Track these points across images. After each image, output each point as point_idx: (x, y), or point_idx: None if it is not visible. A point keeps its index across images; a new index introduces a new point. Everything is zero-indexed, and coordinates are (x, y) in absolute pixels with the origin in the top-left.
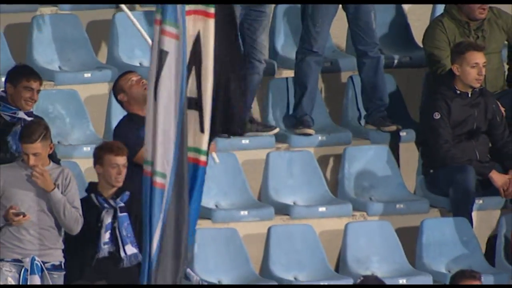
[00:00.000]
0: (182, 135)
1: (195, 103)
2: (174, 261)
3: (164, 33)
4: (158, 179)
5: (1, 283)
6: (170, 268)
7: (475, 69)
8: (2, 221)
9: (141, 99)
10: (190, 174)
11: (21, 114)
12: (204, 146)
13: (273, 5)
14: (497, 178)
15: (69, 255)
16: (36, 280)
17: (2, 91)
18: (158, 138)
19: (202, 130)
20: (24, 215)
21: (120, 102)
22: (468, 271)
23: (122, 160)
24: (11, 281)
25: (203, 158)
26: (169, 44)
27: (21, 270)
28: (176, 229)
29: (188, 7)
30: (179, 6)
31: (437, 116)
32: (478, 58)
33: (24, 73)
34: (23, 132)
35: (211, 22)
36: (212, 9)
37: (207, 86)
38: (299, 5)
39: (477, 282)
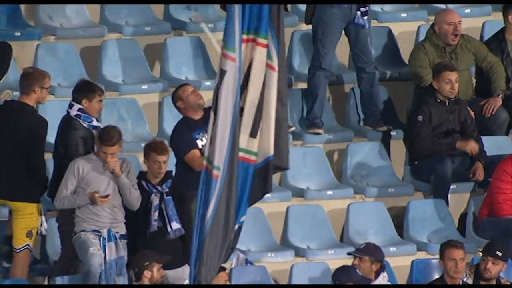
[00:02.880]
0: (234, 139)
1: (252, 114)
2: (223, 232)
3: (225, 56)
4: (215, 172)
5: (89, 248)
6: (221, 238)
7: (449, 84)
8: (84, 199)
9: (195, 106)
10: (240, 169)
11: (95, 122)
12: (254, 149)
13: (289, 33)
14: (462, 144)
15: (127, 229)
16: (112, 246)
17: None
18: (216, 140)
19: (254, 136)
20: (105, 197)
21: (178, 108)
22: (453, 241)
23: (163, 158)
24: (96, 248)
25: (253, 157)
26: (228, 65)
27: (100, 238)
28: (227, 208)
29: (244, 36)
30: (237, 34)
31: (420, 118)
32: (451, 76)
33: (94, 89)
34: (103, 136)
35: (260, 50)
36: (261, 39)
37: (256, 100)
38: (310, 31)
39: (460, 251)
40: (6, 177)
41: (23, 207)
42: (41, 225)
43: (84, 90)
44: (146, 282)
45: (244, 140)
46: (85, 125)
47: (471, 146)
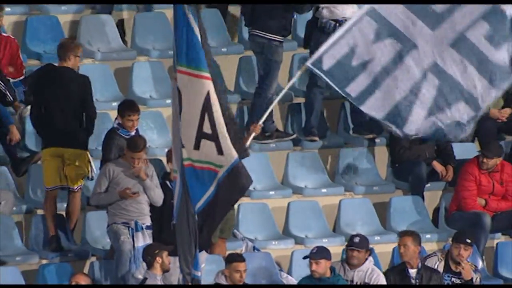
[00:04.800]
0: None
1: (212, 136)
2: (188, 227)
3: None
4: (174, 174)
5: (120, 236)
6: (187, 232)
7: None
8: (116, 196)
9: None
10: (203, 177)
11: (133, 133)
12: (221, 162)
13: (290, 56)
14: (438, 166)
15: (154, 222)
16: (139, 235)
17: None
18: (172, 148)
19: (221, 153)
20: (135, 193)
21: None
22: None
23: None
24: (126, 236)
25: (218, 169)
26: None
27: (129, 228)
28: (187, 205)
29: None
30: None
31: None
32: None
33: (126, 109)
34: (131, 144)
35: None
36: (204, 73)
37: (220, 124)
38: (308, 55)
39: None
40: (61, 129)
41: (76, 154)
42: (90, 170)
43: (120, 109)
44: (158, 267)
45: (213, 157)
46: (122, 135)
47: (442, 169)
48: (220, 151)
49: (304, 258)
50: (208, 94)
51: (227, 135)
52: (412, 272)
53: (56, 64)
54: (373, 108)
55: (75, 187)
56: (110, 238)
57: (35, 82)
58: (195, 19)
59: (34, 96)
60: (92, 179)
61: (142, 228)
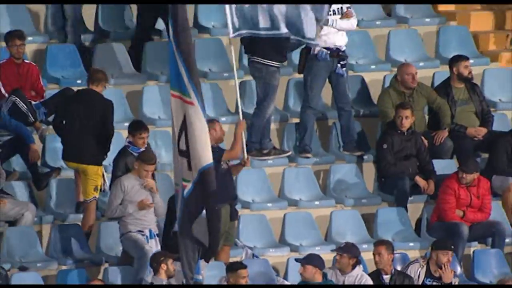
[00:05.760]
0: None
1: (185, 154)
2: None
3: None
4: (176, 187)
5: (144, 245)
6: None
7: (402, 119)
8: (132, 208)
9: (220, 139)
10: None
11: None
12: (189, 177)
13: (286, 81)
14: (420, 181)
15: (165, 230)
16: (153, 242)
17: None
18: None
19: (190, 169)
20: (151, 204)
21: None
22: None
23: None
24: (148, 245)
25: (186, 183)
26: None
27: (144, 236)
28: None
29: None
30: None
31: (385, 146)
32: (404, 113)
33: (137, 128)
34: (145, 157)
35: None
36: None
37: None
38: (302, 79)
39: (382, 247)
40: (80, 146)
41: (91, 168)
42: (103, 183)
43: (130, 128)
44: (163, 273)
45: (184, 172)
46: (133, 152)
47: (424, 184)
48: (189, 167)
49: (296, 260)
50: (185, 115)
51: (198, 149)
52: (386, 278)
53: (84, 88)
54: None
55: (88, 199)
56: (127, 246)
57: (65, 98)
58: (179, 54)
59: (59, 110)
60: (104, 191)
61: (154, 236)
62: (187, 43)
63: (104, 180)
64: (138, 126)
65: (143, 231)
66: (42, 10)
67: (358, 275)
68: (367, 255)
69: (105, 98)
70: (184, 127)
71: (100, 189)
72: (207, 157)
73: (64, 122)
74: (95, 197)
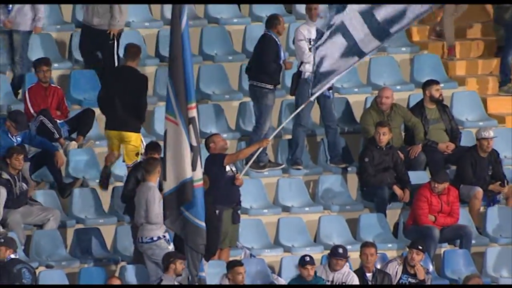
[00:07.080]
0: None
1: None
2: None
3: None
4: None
5: (159, 247)
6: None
7: (380, 135)
8: (144, 217)
9: (222, 148)
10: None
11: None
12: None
13: (280, 102)
14: (397, 190)
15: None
16: (171, 246)
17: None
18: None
19: (165, 179)
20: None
21: (207, 148)
22: (368, 242)
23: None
24: (166, 245)
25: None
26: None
27: (165, 239)
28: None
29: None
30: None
31: (366, 159)
32: (382, 130)
33: (151, 149)
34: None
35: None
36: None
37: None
38: (294, 101)
39: (372, 248)
40: (121, 116)
41: (132, 135)
42: (142, 147)
43: (147, 148)
44: (172, 271)
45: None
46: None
47: (400, 193)
48: (164, 177)
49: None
50: (166, 132)
51: (181, 163)
52: (369, 275)
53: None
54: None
55: (130, 164)
56: (154, 253)
57: (106, 75)
58: (169, 80)
59: (102, 86)
60: (142, 155)
61: (169, 240)
62: (177, 71)
63: (142, 144)
64: (152, 147)
65: (164, 235)
66: (67, 39)
67: (346, 272)
68: (351, 255)
69: (140, 73)
70: (172, 142)
71: (140, 153)
72: (187, 172)
73: (106, 96)
74: (136, 161)
